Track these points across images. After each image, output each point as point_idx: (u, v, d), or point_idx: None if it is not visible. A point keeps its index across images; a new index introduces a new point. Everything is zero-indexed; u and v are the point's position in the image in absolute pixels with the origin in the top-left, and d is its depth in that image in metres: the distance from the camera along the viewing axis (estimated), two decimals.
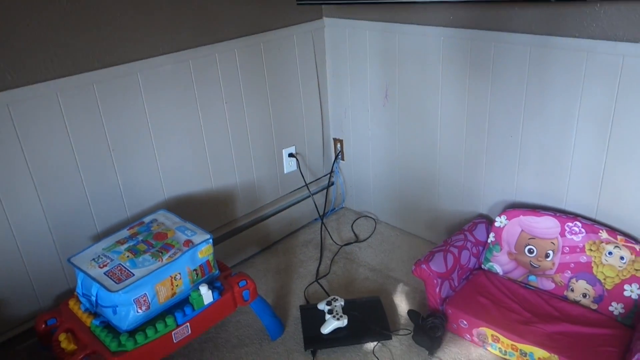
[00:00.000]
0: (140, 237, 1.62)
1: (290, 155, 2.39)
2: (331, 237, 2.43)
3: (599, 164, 1.72)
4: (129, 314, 1.44)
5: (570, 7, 1.61)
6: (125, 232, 1.67)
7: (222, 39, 1.98)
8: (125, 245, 1.58)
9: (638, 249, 1.65)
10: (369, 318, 1.83)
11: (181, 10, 1.84)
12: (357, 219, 2.57)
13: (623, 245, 1.68)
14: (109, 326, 1.48)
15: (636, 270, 1.65)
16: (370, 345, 1.78)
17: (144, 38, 1.77)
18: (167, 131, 1.91)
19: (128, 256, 1.53)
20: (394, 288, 2.07)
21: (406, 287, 2.07)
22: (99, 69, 1.68)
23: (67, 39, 1.59)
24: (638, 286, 1.65)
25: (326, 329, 1.76)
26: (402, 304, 1.97)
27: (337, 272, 2.19)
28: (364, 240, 2.40)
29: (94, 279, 1.46)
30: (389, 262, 2.23)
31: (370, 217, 2.57)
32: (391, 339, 1.79)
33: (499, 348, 1.68)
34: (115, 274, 1.47)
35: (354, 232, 2.47)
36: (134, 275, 1.46)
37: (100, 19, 1.65)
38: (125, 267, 1.49)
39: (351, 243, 2.38)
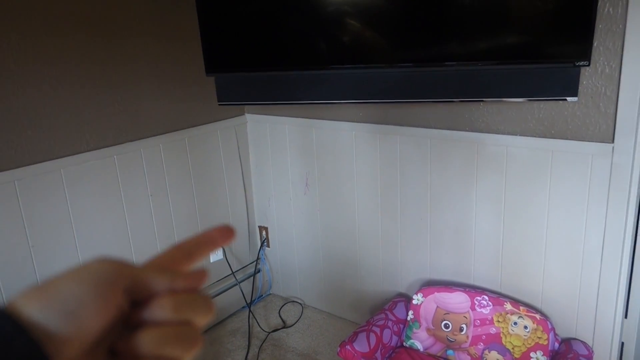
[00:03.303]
0: None
1: None
2: (259, 325, 2.44)
3: (498, 240, 1.91)
4: None
5: (462, 106, 1.86)
6: None
7: (148, 135, 2.07)
8: None
9: (538, 318, 1.81)
10: None
11: (107, 109, 1.93)
12: (284, 305, 2.60)
13: (525, 315, 1.83)
14: None
15: (539, 338, 1.80)
16: None
17: (69, 135, 1.82)
18: (91, 225, 1.92)
19: None
20: None
21: None
22: (21, 166, 1.70)
23: None
24: (542, 353, 1.79)
25: None
26: None
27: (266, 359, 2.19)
28: (291, 325, 2.43)
29: None
30: (316, 346, 2.27)
31: (298, 302, 2.62)
32: None
33: None
34: None
35: (282, 318, 2.50)
36: None
37: (20, 115, 1.70)
38: None
39: (279, 329, 2.40)
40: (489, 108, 1.80)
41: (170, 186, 2.18)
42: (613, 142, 1.58)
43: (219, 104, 1.68)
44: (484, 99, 1.66)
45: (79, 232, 1.88)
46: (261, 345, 2.29)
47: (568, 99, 1.54)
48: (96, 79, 1.88)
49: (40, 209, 1.77)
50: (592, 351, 1.78)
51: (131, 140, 2.02)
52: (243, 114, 2.48)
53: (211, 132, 2.32)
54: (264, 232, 2.65)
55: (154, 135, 2.10)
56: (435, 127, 1.95)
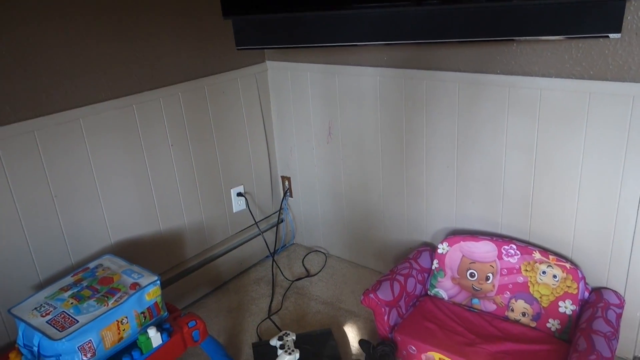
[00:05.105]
0: (84, 283, 1.60)
1: (239, 194, 2.42)
2: (282, 274, 2.45)
3: (528, 188, 1.84)
4: None
5: (492, 47, 1.76)
6: (69, 279, 1.64)
7: (166, 83, 2.03)
8: (69, 292, 1.55)
9: (568, 267, 1.76)
10: (321, 350, 1.85)
11: (124, 56, 1.88)
12: (307, 254, 2.60)
13: (555, 264, 1.78)
14: None
15: (568, 287, 1.76)
16: None
17: (86, 84, 1.79)
18: (112, 175, 1.91)
19: (72, 303, 1.50)
20: (345, 319, 2.10)
21: (357, 317, 2.10)
22: (39, 116, 1.68)
23: (3, 86, 1.60)
24: (571, 302, 1.75)
25: None
26: (353, 335, 2.00)
27: (289, 307, 2.21)
28: (315, 274, 2.44)
29: (35, 328, 1.42)
30: (339, 294, 2.27)
31: (321, 252, 2.61)
32: None
33: None
34: (59, 322, 1.44)
35: (305, 267, 2.50)
36: (78, 322, 1.43)
37: (39, 66, 1.67)
38: (69, 315, 1.46)
39: (302, 278, 2.41)
40: (522, 48, 1.70)
41: (191, 136, 2.15)
42: None
43: (237, 49, 1.61)
44: (517, 38, 1.55)
45: (101, 182, 1.88)
46: (285, 293, 2.31)
47: (610, 35, 1.42)
48: (113, 27, 1.83)
49: (62, 159, 1.76)
50: (624, 300, 1.73)
51: (150, 89, 1.97)
52: (263, 61, 2.40)
53: (231, 80, 2.26)
54: (286, 182, 2.62)
55: (173, 84, 2.05)
56: (464, 71, 1.85)
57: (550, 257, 1.79)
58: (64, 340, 1.38)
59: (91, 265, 1.72)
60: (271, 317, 2.14)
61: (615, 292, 1.75)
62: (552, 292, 1.78)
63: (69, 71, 1.74)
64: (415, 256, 2.05)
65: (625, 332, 1.76)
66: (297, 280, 2.40)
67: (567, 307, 1.75)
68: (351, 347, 1.94)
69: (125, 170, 1.95)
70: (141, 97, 1.94)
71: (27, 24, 1.62)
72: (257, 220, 2.52)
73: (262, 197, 2.57)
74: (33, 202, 1.71)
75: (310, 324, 2.09)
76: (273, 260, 2.53)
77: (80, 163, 1.81)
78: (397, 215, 2.25)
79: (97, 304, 1.50)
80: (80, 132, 1.79)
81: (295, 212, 2.67)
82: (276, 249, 2.63)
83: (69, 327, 1.42)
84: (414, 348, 1.79)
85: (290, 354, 1.78)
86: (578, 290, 1.74)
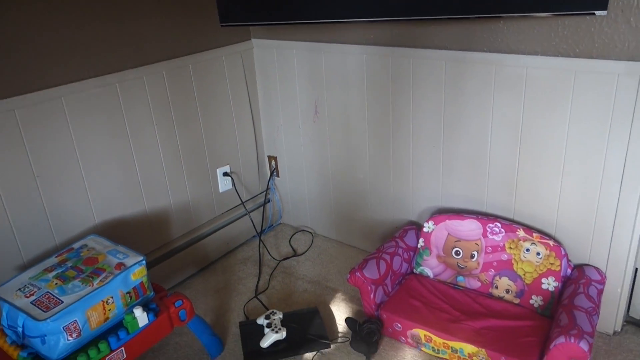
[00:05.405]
0: (69, 264, 1.59)
1: (225, 174, 2.41)
2: (269, 253, 2.45)
3: (513, 167, 1.85)
4: (59, 343, 1.40)
5: (479, 24, 1.75)
6: (53, 260, 1.63)
7: (150, 61, 1.99)
8: (54, 273, 1.54)
9: (552, 245, 1.78)
10: (308, 329, 1.86)
11: (106, 34, 1.84)
12: (294, 234, 2.61)
13: (538, 241, 1.81)
14: (37, 357, 1.43)
15: (551, 264, 1.78)
16: (310, 355, 1.81)
17: (67, 62, 1.75)
18: (96, 155, 1.88)
19: (56, 283, 1.49)
20: (332, 298, 2.11)
21: (343, 296, 2.12)
22: (20, 94, 1.65)
23: None
24: (554, 279, 1.78)
25: (265, 342, 1.78)
26: (339, 313, 2.02)
27: (276, 286, 2.22)
28: (302, 254, 2.44)
29: (19, 309, 1.41)
30: (326, 273, 2.28)
31: (308, 231, 2.62)
32: (330, 347, 1.82)
33: (432, 347, 1.76)
34: (43, 302, 1.43)
35: (292, 247, 2.51)
36: (62, 302, 1.42)
37: (20, 43, 1.63)
38: (53, 295, 1.45)
39: (289, 257, 2.42)
40: (509, 25, 1.69)
41: (176, 115, 2.12)
42: None
43: (222, 25, 1.58)
44: (504, 15, 1.55)
45: (85, 162, 1.85)
46: (272, 272, 2.31)
47: (596, 12, 1.42)
48: (96, 4, 1.78)
49: (43, 138, 1.73)
50: (605, 276, 1.76)
51: (133, 67, 1.94)
52: (249, 39, 2.37)
53: (216, 59, 2.23)
54: (273, 162, 2.61)
55: (157, 62, 2.01)
56: (450, 49, 1.84)
57: (534, 234, 1.81)
58: (48, 320, 1.37)
59: (76, 245, 1.70)
60: (258, 297, 2.15)
61: (597, 269, 1.77)
62: (535, 269, 1.81)
63: (50, 49, 1.70)
64: (401, 235, 2.06)
65: (606, 307, 1.80)
66: (284, 259, 2.40)
67: (549, 284, 1.78)
68: (338, 325, 1.96)
69: (109, 149, 1.92)
70: (124, 76, 1.91)
71: (6, 1, 1.57)
72: (243, 200, 2.51)
73: (248, 177, 2.55)
74: (15, 182, 1.68)
75: (297, 302, 2.11)
76: (260, 240, 2.53)
77: (63, 142, 1.78)
78: (383, 195, 2.26)
79: (82, 284, 1.49)
80: (62, 111, 1.76)
81: (282, 192, 2.67)
82: (263, 228, 2.63)
83: (54, 307, 1.41)
84: (399, 325, 1.81)
85: (277, 332, 1.79)
86: (561, 267, 1.76)
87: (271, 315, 1.87)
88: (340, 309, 2.05)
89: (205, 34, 2.16)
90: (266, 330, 1.81)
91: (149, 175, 2.08)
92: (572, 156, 1.71)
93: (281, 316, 1.88)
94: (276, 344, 1.79)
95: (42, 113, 1.71)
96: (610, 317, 1.81)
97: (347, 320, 1.84)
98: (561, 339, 1.47)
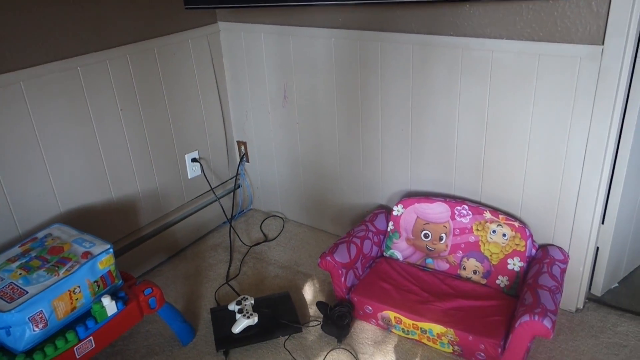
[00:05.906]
0: (33, 253, 1.55)
1: (194, 160, 2.38)
2: (240, 239, 2.45)
3: (480, 150, 1.88)
4: (25, 334, 1.38)
5: (446, 8, 1.75)
6: (16, 250, 1.59)
7: (113, 45, 1.94)
8: (17, 263, 1.50)
9: (517, 226, 1.82)
10: (279, 313, 1.87)
11: (66, 17, 1.78)
12: (265, 219, 2.60)
13: (504, 223, 1.85)
14: (3, 349, 1.40)
15: (516, 245, 1.82)
16: (282, 339, 1.82)
17: (26, 46, 1.69)
18: (59, 141, 1.83)
19: (20, 274, 1.46)
20: (303, 282, 2.12)
21: (314, 280, 2.13)
22: None
23: None
24: (519, 259, 1.82)
25: (237, 328, 1.78)
26: (311, 297, 2.03)
27: (247, 272, 2.21)
28: (273, 239, 2.44)
29: None
30: (297, 258, 2.29)
31: (279, 217, 2.62)
32: (301, 331, 1.84)
33: (402, 329, 1.79)
34: (7, 293, 1.40)
35: (263, 232, 2.50)
36: (27, 292, 1.39)
37: None
38: (17, 286, 1.42)
39: (260, 243, 2.41)
40: (475, 9, 1.70)
41: (142, 100, 2.08)
42: (603, 44, 1.51)
43: (186, 8, 1.54)
44: None
45: (47, 149, 1.80)
46: (243, 258, 2.31)
47: None
48: None
49: (2, 124, 1.67)
50: (568, 256, 1.82)
51: (95, 51, 1.88)
52: (215, 22, 2.32)
53: (182, 42, 2.19)
54: (242, 147, 2.59)
55: (120, 45, 1.96)
56: (417, 32, 1.84)
57: (500, 216, 1.85)
58: (13, 311, 1.34)
59: (39, 235, 1.66)
60: (229, 283, 2.15)
61: (560, 249, 1.83)
62: (501, 250, 1.85)
63: (7, 33, 1.64)
64: (371, 219, 2.08)
65: (569, 286, 1.86)
66: (255, 245, 2.40)
67: (515, 264, 1.83)
68: (309, 309, 1.97)
69: (73, 135, 1.87)
70: (86, 59, 1.85)
71: None
72: (213, 187, 2.49)
73: (217, 163, 2.53)
74: None
75: (269, 288, 2.11)
76: (230, 226, 2.52)
77: (24, 129, 1.73)
78: (353, 179, 2.27)
79: (47, 274, 1.46)
80: (21, 96, 1.70)
81: (252, 178, 2.65)
82: (233, 214, 2.61)
83: (18, 298, 1.38)
84: (370, 308, 1.83)
85: (248, 317, 1.79)
86: (526, 248, 1.81)
87: (242, 301, 1.87)
88: (311, 293, 2.06)
89: (170, 17, 2.11)
90: (237, 316, 1.81)
91: (115, 161, 2.03)
92: (536, 139, 1.74)
93: (252, 302, 1.88)
94: (248, 329, 1.80)
95: (0, 99, 1.65)
96: (573, 295, 1.88)
97: (319, 304, 1.85)
98: (526, 317, 1.52)
